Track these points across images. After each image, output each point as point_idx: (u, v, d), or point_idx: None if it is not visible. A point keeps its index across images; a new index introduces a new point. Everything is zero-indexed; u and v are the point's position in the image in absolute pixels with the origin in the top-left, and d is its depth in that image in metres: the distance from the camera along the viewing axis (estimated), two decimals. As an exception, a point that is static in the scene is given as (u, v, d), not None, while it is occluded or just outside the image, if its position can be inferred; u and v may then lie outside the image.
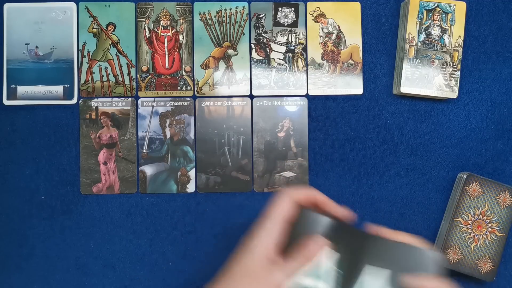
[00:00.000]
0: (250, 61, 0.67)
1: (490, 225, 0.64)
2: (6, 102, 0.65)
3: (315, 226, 0.44)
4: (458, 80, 0.65)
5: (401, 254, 0.43)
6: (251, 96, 0.67)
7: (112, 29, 0.67)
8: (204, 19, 0.67)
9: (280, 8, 0.67)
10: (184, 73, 0.67)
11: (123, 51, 0.67)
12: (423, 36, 0.65)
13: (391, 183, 0.67)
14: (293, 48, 0.67)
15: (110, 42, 0.66)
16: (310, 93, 0.67)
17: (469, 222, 0.64)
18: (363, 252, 0.44)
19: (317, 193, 0.47)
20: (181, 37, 0.67)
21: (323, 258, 0.44)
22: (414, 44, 0.65)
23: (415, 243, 0.44)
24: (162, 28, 0.67)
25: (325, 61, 0.68)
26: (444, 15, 0.65)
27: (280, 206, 0.44)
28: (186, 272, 0.66)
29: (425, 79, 0.65)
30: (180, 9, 0.67)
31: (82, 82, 0.66)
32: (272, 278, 0.41)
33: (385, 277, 0.43)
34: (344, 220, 0.47)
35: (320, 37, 0.68)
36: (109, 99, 0.66)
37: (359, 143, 0.67)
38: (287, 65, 0.67)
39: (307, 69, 0.67)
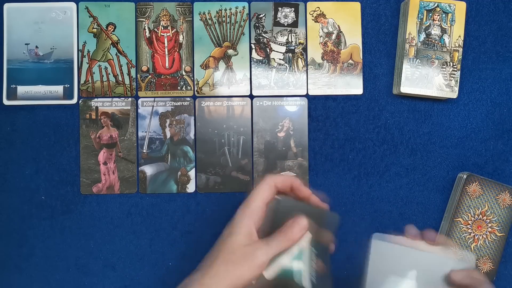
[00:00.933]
0: (250, 61, 0.67)
1: (490, 225, 0.64)
2: (6, 102, 0.65)
3: (292, 212, 0.46)
4: (458, 80, 0.65)
5: (425, 262, 0.44)
6: (251, 96, 0.67)
7: (112, 29, 0.67)
8: (204, 19, 0.67)
9: (280, 8, 0.67)
10: (184, 73, 0.67)
11: (123, 51, 0.67)
12: (423, 36, 0.65)
13: (391, 183, 0.67)
14: (293, 48, 0.67)
15: (110, 42, 0.66)
16: (310, 93, 0.67)
17: (469, 222, 0.64)
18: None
19: (294, 180, 0.49)
20: (181, 37, 0.67)
21: (302, 242, 0.46)
22: (414, 44, 0.65)
23: (440, 251, 0.45)
24: (162, 28, 0.67)
25: (325, 61, 0.68)
26: (444, 15, 0.65)
27: (261, 191, 0.47)
28: (186, 272, 0.66)
29: (425, 79, 0.65)
30: (180, 9, 0.67)
31: (82, 82, 0.66)
32: (254, 257, 0.43)
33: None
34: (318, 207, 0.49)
35: (320, 37, 0.68)
36: (109, 99, 0.66)
37: (359, 143, 0.67)
38: (287, 65, 0.67)
39: (307, 69, 0.67)
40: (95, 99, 0.66)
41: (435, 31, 0.65)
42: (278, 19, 0.67)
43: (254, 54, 0.67)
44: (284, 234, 0.45)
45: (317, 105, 0.67)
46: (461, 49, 0.65)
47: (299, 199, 0.49)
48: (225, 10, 0.67)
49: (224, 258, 0.44)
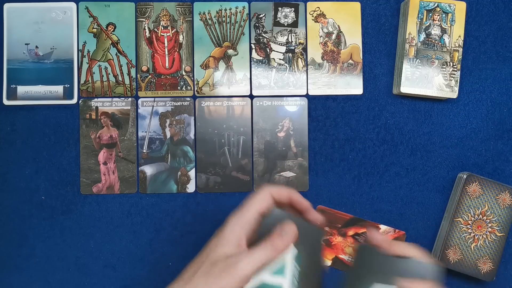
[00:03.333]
0: (250, 61, 0.67)
1: (490, 225, 0.64)
2: (6, 102, 0.65)
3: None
4: (458, 80, 0.65)
5: (401, 268, 0.42)
6: (251, 96, 0.67)
7: (112, 29, 0.67)
8: (204, 19, 0.67)
9: (280, 8, 0.67)
10: (184, 73, 0.67)
11: (123, 51, 0.67)
12: (423, 36, 0.65)
13: (391, 183, 0.67)
14: (293, 48, 0.67)
15: (110, 42, 0.66)
16: (310, 93, 0.67)
17: (469, 222, 0.64)
18: (367, 267, 0.43)
19: (292, 192, 0.46)
20: (181, 37, 0.67)
21: (285, 256, 0.43)
22: (414, 44, 0.65)
23: (414, 254, 0.42)
24: (162, 28, 0.67)
25: (325, 61, 0.68)
26: (444, 15, 0.65)
27: (258, 200, 0.44)
28: (186, 272, 0.66)
29: (425, 79, 0.65)
30: (180, 9, 0.67)
31: (82, 82, 0.66)
32: (237, 269, 0.40)
33: None
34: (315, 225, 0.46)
35: (320, 37, 0.68)
36: (109, 99, 0.66)
37: (359, 143, 0.67)
38: (287, 65, 0.67)
39: (307, 69, 0.67)
40: (95, 99, 0.66)
41: (435, 31, 0.65)
42: (278, 19, 0.67)
43: (254, 54, 0.67)
44: (270, 242, 0.41)
45: (317, 105, 0.67)
46: (461, 49, 0.65)
47: (298, 212, 0.46)
48: (225, 10, 0.67)
49: (205, 270, 0.41)
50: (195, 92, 0.67)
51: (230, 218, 0.44)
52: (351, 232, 0.66)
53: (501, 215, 0.64)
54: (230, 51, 0.67)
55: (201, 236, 0.66)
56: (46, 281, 0.65)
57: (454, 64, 0.65)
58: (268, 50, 0.67)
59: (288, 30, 0.68)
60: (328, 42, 0.68)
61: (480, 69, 0.68)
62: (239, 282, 0.39)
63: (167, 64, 0.67)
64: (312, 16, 0.68)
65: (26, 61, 0.66)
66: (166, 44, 0.67)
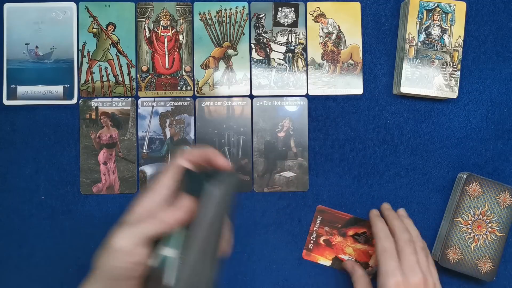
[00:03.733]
0: (250, 61, 0.67)
1: (490, 225, 0.64)
2: (6, 102, 0.65)
3: (194, 186, 0.41)
4: (458, 80, 0.65)
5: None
6: (251, 96, 0.67)
7: (112, 29, 0.67)
8: (204, 19, 0.67)
9: (280, 8, 0.67)
10: (184, 73, 0.67)
11: (123, 51, 0.67)
12: (423, 36, 0.65)
13: (391, 183, 0.67)
14: (293, 48, 0.67)
15: (110, 42, 0.66)
16: (310, 93, 0.67)
17: (469, 222, 0.64)
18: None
19: (209, 151, 0.43)
20: (181, 37, 0.67)
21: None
22: (414, 44, 0.65)
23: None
24: (162, 28, 0.67)
25: (325, 61, 0.68)
26: (444, 15, 0.65)
27: (171, 167, 0.42)
28: (186, 272, 0.66)
29: (425, 79, 0.65)
30: (180, 9, 0.67)
31: (82, 82, 0.66)
32: (113, 239, 0.37)
33: None
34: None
35: (320, 37, 0.68)
36: (109, 99, 0.66)
37: (359, 143, 0.67)
38: (287, 65, 0.67)
39: (307, 69, 0.67)
40: (95, 99, 0.66)
41: (435, 31, 0.65)
42: (278, 19, 0.67)
43: (254, 54, 0.67)
44: (157, 215, 0.38)
45: (317, 105, 0.67)
46: (461, 49, 0.65)
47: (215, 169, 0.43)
48: (225, 10, 0.67)
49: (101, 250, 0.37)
50: (195, 92, 0.67)
51: (143, 192, 0.42)
52: (351, 232, 0.66)
53: (501, 215, 0.64)
54: (230, 51, 0.67)
55: (201, 236, 0.66)
56: (46, 281, 0.65)
57: (454, 64, 0.65)
58: (268, 50, 0.67)
59: (288, 30, 0.68)
60: (328, 42, 0.68)
61: (480, 69, 0.68)
62: (120, 256, 0.36)
63: (167, 64, 0.67)
64: (312, 16, 0.68)
65: (26, 61, 0.66)
66: (166, 44, 0.67)
